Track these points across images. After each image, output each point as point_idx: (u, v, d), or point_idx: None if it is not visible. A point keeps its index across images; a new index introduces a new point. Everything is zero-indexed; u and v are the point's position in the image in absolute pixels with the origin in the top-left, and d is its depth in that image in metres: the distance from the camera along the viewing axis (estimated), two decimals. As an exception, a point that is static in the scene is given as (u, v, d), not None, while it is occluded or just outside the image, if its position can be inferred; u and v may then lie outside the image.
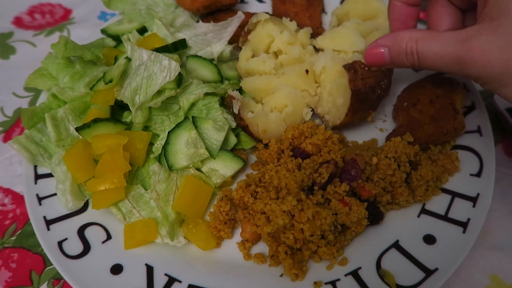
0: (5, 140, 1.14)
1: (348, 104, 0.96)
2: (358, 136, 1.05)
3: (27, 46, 1.37)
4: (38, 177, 0.95)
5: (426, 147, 0.94)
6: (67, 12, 1.48)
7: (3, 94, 1.24)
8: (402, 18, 0.89)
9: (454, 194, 0.88)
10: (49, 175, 0.96)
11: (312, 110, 1.05)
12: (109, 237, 0.87)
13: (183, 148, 0.93)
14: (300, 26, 1.17)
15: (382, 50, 0.82)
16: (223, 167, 0.94)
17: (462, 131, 0.93)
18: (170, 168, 0.91)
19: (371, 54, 0.85)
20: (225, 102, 1.01)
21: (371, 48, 0.85)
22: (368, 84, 0.95)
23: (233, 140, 0.98)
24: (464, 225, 0.83)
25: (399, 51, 0.79)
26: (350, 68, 0.93)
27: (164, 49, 1.07)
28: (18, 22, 1.45)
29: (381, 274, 0.79)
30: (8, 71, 1.31)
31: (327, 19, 1.29)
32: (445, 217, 0.85)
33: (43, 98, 1.09)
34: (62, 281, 0.88)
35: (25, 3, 1.50)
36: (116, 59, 1.10)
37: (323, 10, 1.31)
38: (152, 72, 0.99)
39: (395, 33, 0.82)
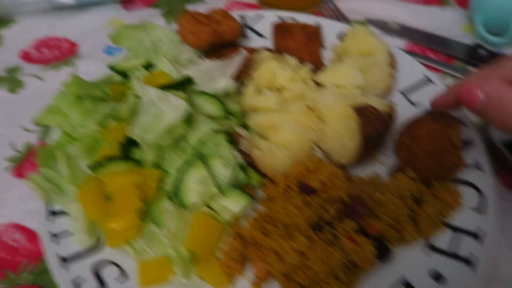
0: (16, 174, 1.16)
1: (357, 148, 1.01)
2: (360, 169, 1.09)
3: (34, 80, 1.40)
4: (51, 214, 0.97)
5: (428, 183, 0.98)
6: (73, 46, 1.52)
7: (12, 128, 1.26)
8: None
9: (457, 230, 0.91)
10: (63, 212, 0.98)
11: (317, 146, 1.09)
12: (123, 274, 0.89)
13: (194, 186, 0.96)
14: (300, 60, 1.22)
15: (478, 90, 0.79)
16: (232, 203, 0.97)
17: (462, 166, 0.97)
18: (183, 206, 0.94)
19: (468, 90, 0.81)
20: (232, 139, 1.05)
21: (471, 85, 0.80)
22: (376, 129, 1.00)
23: (241, 176, 1.02)
24: (470, 262, 0.85)
25: (502, 96, 0.76)
26: (362, 113, 0.97)
27: (171, 87, 1.11)
28: (25, 56, 1.48)
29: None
30: (17, 105, 1.33)
31: (326, 54, 1.34)
32: (450, 254, 0.88)
33: (54, 134, 1.12)
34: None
35: (31, 37, 1.54)
36: (124, 95, 1.14)
37: (322, 45, 1.36)
38: (161, 111, 1.02)
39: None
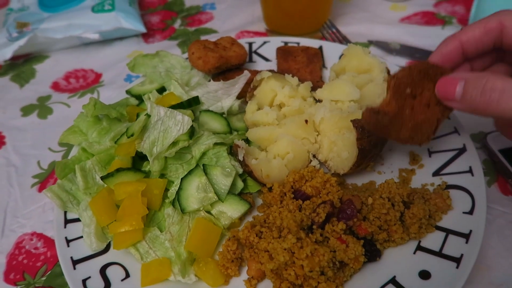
0: (40, 190, 1.27)
1: (354, 160, 1.05)
2: (357, 179, 1.13)
3: (62, 107, 1.55)
4: (67, 221, 1.06)
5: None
6: (98, 76, 1.67)
7: (40, 149, 1.40)
8: (452, 60, 0.90)
9: (447, 231, 0.93)
10: (77, 220, 1.07)
11: (314, 156, 1.14)
12: (127, 275, 0.96)
13: (194, 193, 1.03)
14: (302, 81, 1.29)
15: (458, 83, 0.80)
16: (231, 210, 1.03)
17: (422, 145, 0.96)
18: (183, 211, 1.01)
19: (445, 84, 0.83)
20: (232, 150, 1.12)
21: (446, 78, 0.83)
22: (372, 141, 1.04)
23: (240, 184, 1.08)
24: (457, 260, 0.87)
25: (476, 87, 0.76)
26: (359, 126, 1.01)
27: (180, 106, 1.20)
28: (55, 86, 1.64)
29: (378, 308, 0.83)
30: (45, 129, 1.47)
31: (327, 74, 1.41)
32: (439, 253, 0.90)
33: (74, 152, 1.23)
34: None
35: (62, 69, 1.71)
36: (137, 115, 1.25)
37: (323, 66, 1.43)
38: (168, 126, 1.11)
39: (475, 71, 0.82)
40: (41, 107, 1.55)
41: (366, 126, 0.96)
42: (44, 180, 1.30)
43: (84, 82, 1.65)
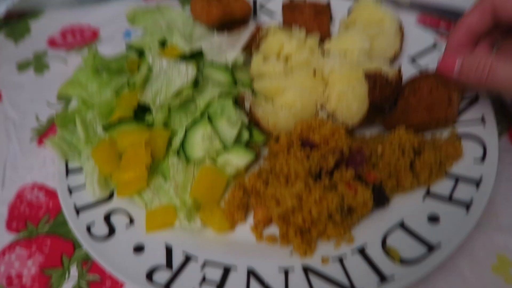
0: (39, 143, 1.25)
1: (364, 112, 1.03)
2: (365, 131, 1.10)
3: (59, 64, 1.51)
4: (69, 171, 1.04)
5: (418, 132, 1.00)
6: (95, 31, 1.61)
7: (38, 103, 1.36)
8: (466, 43, 0.99)
9: (458, 178, 0.92)
10: (79, 170, 1.04)
11: (322, 107, 1.12)
12: (132, 221, 0.94)
13: (200, 142, 1.00)
14: (309, 34, 1.26)
15: (456, 60, 0.90)
16: (237, 159, 1.01)
17: (453, 121, 0.99)
18: (188, 159, 0.99)
19: (445, 60, 0.92)
20: (238, 101, 1.09)
21: (447, 56, 0.92)
22: (384, 95, 1.02)
23: (246, 134, 1.06)
24: (467, 205, 0.86)
25: (471, 64, 0.87)
26: (371, 78, 1.00)
27: (183, 58, 1.17)
28: (51, 42, 1.59)
29: (386, 250, 0.83)
30: (42, 85, 1.44)
31: (335, 28, 1.37)
32: (449, 199, 0.89)
33: (74, 104, 1.20)
34: (89, 262, 0.95)
35: (58, 25, 1.65)
36: (139, 68, 1.21)
37: (331, 19, 1.39)
38: (171, 77, 1.08)
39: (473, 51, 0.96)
40: (37, 63, 1.51)
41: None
42: (43, 134, 1.27)
43: (81, 38, 1.60)
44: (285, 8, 1.43)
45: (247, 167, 1.04)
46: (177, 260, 0.86)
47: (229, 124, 1.04)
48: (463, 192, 0.88)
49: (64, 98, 1.35)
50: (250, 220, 0.94)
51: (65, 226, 1.00)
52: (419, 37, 1.26)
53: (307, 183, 0.88)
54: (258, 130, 1.08)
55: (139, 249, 0.88)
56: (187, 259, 0.86)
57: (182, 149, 1.00)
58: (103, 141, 1.04)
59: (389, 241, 0.84)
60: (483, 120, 1.00)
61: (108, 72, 1.23)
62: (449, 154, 0.94)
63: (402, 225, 0.86)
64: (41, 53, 1.55)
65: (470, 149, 0.96)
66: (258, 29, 1.30)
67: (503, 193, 0.97)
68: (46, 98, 1.37)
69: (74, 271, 0.95)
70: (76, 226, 0.92)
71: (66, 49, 1.55)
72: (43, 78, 1.46)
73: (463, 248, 0.88)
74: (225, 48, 1.27)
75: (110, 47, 1.53)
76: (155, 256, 0.86)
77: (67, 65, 1.50)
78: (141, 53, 1.33)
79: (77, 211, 0.96)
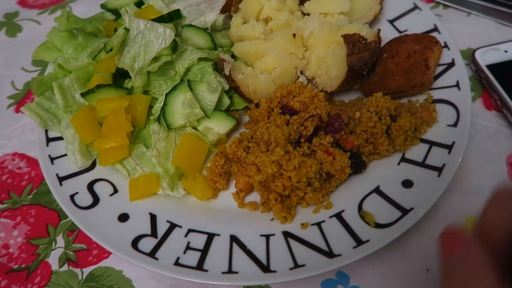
0: (17, 110, 1.22)
1: (343, 77, 1.03)
2: (344, 96, 1.11)
3: (32, 24, 1.44)
4: (49, 140, 1.04)
5: (395, 97, 1.02)
6: (69, -10, 1.54)
7: (13, 69, 1.32)
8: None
9: (431, 143, 0.95)
10: (59, 138, 1.04)
11: (301, 72, 1.12)
12: (115, 190, 0.96)
13: (180, 109, 1.00)
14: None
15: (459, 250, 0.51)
16: (218, 126, 1.02)
17: (429, 86, 1.01)
18: (169, 127, 0.99)
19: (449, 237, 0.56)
20: (217, 66, 1.08)
21: (455, 235, 0.56)
22: (363, 58, 1.02)
23: (226, 101, 1.05)
24: (439, 169, 0.89)
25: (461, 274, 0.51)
26: (350, 42, 0.99)
27: (160, 20, 1.13)
28: (22, 2, 1.52)
29: (362, 215, 0.87)
30: (16, 48, 1.38)
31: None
32: (422, 164, 0.92)
33: (50, 69, 1.17)
34: (76, 232, 0.97)
35: (28, -17, 1.57)
36: (115, 30, 1.17)
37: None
38: (149, 40, 1.05)
39: None
40: (9, 24, 1.45)
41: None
42: (20, 101, 1.25)
43: (54, -3, 1.52)
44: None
45: (229, 135, 1.05)
46: (161, 229, 0.88)
47: (209, 90, 1.03)
48: (436, 157, 0.92)
49: (39, 63, 1.31)
50: (232, 187, 0.97)
51: (49, 195, 1.01)
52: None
53: (286, 150, 0.89)
54: (238, 97, 1.08)
55: (123, 218, 0.90)
56: (171, 227, 0.89)
57: (163, 117, 1.00)
58: (83, 108, 1.03)
59: (365, 206, 0.88)
60: (457, 85, 1.02)
61: (83, 35, 1.19)
62: (424, 120, 0.97)
63: (378, 191, 0.90)
64: (12, 13, 1.48)
65: (444, 114, 0.98)
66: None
67: (474, 157, 1.00)
68: (21, 63, 1.33)
69: (60, 240, 0.97)
70: (59, 195, 0.93)
71: (38, 9, 1.48)
72: (16, 41, 1.40)
73: (435, 211, 0.93)
74: (203, 9, 1.24)
75: (85, 6, 1.47)
76: (139, 225, 0.89)
77: (41, 26, 1.44)
78: (117, 14, 1.29)
79: (60, 180, 0.96)
